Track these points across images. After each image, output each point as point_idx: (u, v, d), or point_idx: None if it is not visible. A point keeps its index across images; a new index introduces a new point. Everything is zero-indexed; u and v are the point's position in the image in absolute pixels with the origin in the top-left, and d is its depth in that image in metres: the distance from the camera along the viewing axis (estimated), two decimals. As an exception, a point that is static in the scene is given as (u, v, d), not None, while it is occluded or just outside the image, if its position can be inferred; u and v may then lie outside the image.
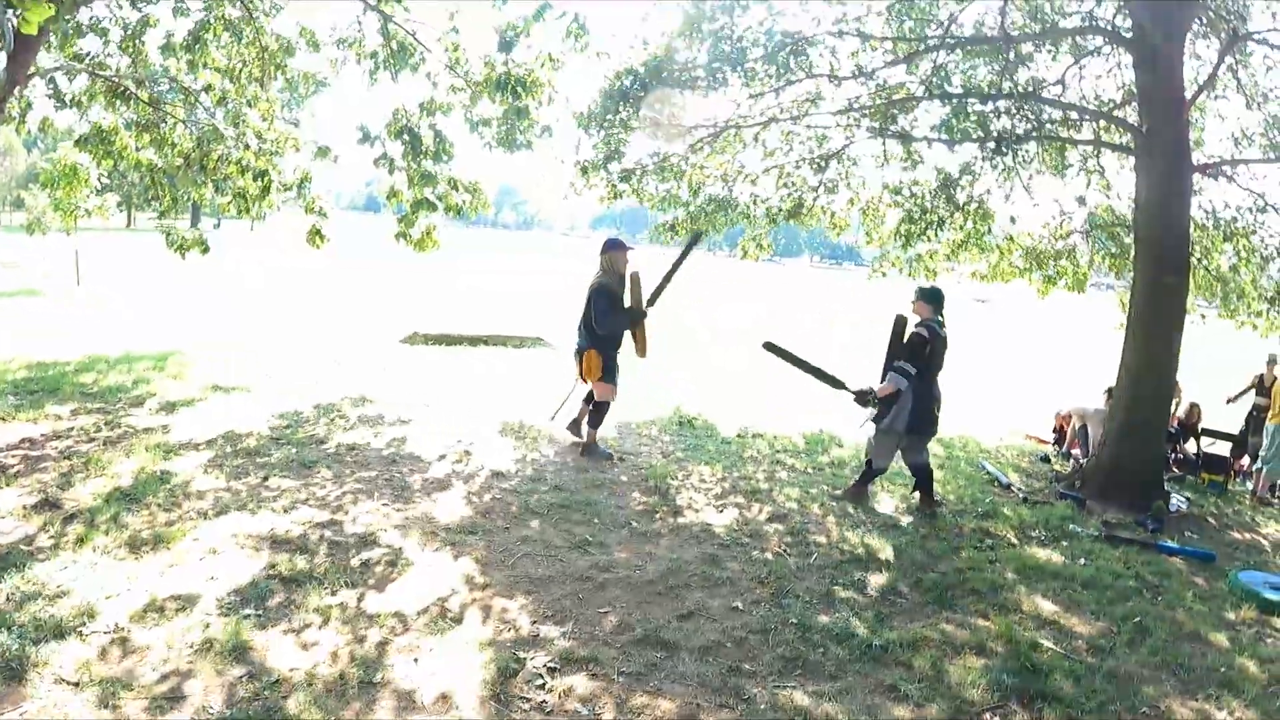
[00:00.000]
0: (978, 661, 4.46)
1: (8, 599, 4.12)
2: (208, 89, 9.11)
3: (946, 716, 3.89)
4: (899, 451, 7.31)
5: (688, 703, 3.82)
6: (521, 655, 4.10)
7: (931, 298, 7.24)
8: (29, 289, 20.64)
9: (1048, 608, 5.37)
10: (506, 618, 4.52)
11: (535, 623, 4.48)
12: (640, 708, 3.74)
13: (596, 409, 7.91)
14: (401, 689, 3.74)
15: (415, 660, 3.99)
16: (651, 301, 8.00)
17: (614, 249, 7.91)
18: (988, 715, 3.95)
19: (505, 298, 25.93)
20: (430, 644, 4.15)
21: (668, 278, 8.19)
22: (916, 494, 7.48)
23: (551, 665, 4.04)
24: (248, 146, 8.70)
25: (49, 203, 26.23)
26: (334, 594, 4.58)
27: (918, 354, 6.98)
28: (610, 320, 7.70)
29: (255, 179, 8.68)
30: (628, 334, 7.94)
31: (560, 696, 3.78)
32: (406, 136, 8.72)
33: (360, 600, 4.54)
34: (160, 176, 9.11)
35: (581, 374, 7.94)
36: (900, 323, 7.29)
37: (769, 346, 7.71)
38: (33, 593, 4.22)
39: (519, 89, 8.28)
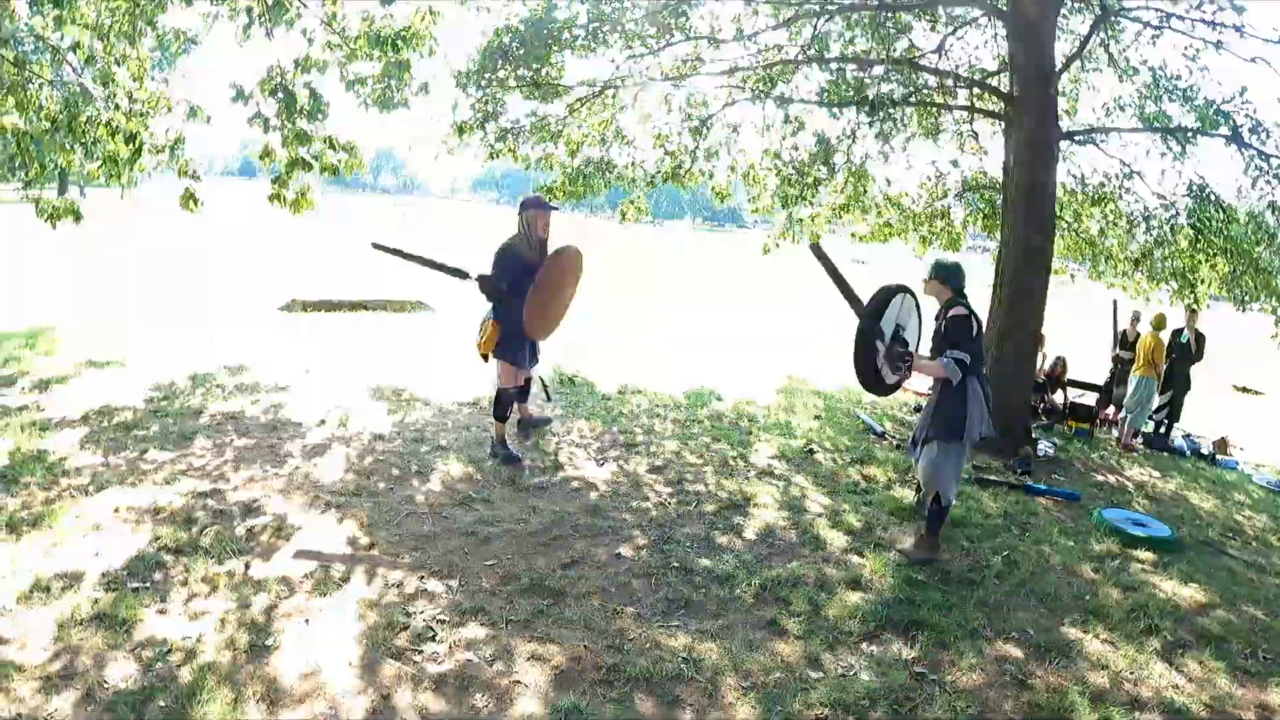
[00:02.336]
0: (854, 596, 4.68)
1: (-120, 589, 3.95)
2: (75, 47, 8.66)
3: (825, 648, 4.09)
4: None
5: (575, 646, 3.92)
6: (410, 610, 4.15)
7: (949, 275, 5.54)
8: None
9: (920, 545, 5.64)
10: (393, 576, 4.54)
11: (422, 579, 4.53)
12: (529, 653, 3.83)
13: (499, 395, 6.79)
14: (293, 650, 3.74)
15: (306, 621, 4.00)
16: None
17: (531, 208, 6.74)
18: (864, 645, 4.16)
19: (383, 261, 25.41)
20: (319, 605, 4.16)
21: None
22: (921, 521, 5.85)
23: (441, 618, 4.10)
24: (118, 107, 8.33)
25: (-100, 174, 24.72)
26: (220, 563, 4.52)
27: (967, 337, 5.34)
28: (497, 282, 6.50)
29: (126, 141, 8.31)
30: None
31: (450, 647, 3.85)
32: (281, 94, 8.48)
33: (247, 568, 4.50)
34: (27, 142, 8.64)
35: (479, 346, 6.73)
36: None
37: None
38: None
39: (399, 43, 8.12)
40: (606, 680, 3.66)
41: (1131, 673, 4.14)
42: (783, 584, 4.76)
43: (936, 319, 5.60)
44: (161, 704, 3.29)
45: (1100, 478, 8.50)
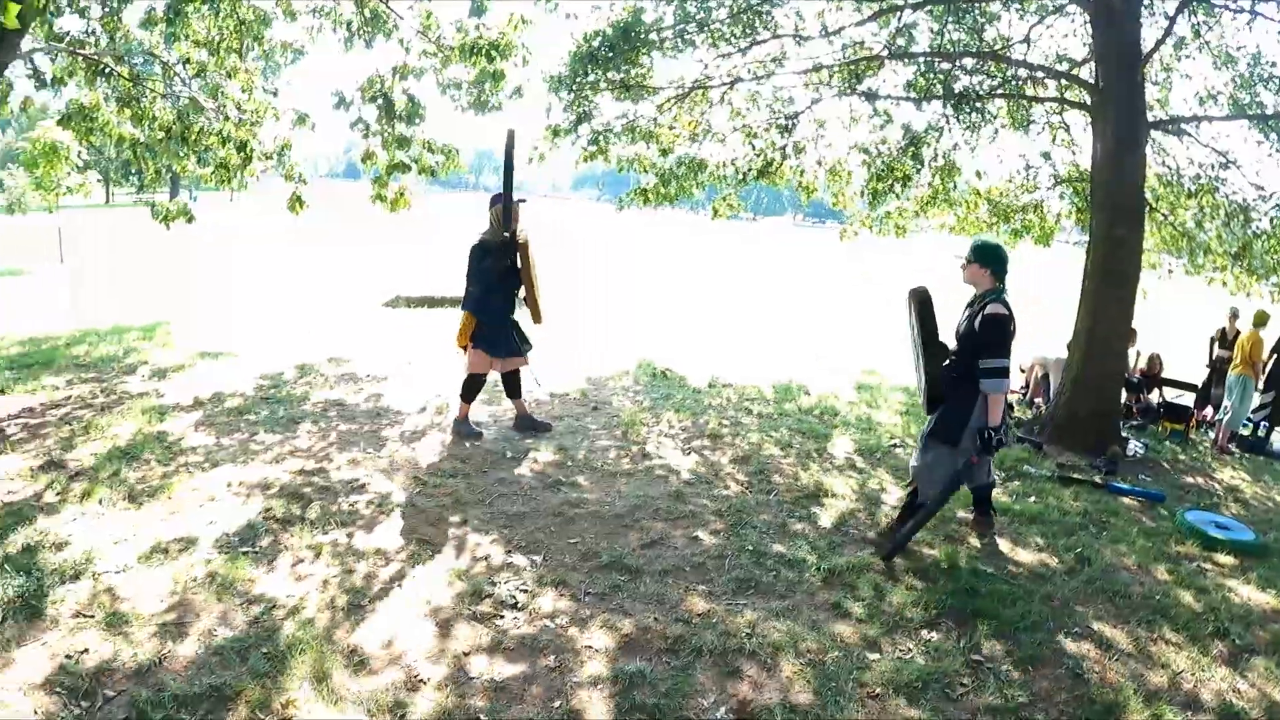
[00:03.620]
0: (919, 585, 4.80)
1: (23, 548, 4.43)
2: (186, 62, 9.24)
3: (884, 632, 4.23)
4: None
5: (647, 618, 4.16)
6: (495, 580, 4.46)
7: (993, 258, 5.05)
8: (12, 269, 20.72)
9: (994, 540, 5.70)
10: (482, 550, 4.86)
11: (509, 553, 4.84)
12: (604, 622, 4.09)
13: (468, 380, 7.11)
14: (386, 609, 4.10)
15: (400, 585, 4.35)
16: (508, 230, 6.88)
17: (495, 204, 6.99)
18: (924, 631, 4.29)
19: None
20: (412, 573, 4.50)
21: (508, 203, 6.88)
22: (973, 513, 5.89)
23: (523, 588, 4.40)
24: (228, 118, 8.88)
25: (29, 182, 26.34)
26: (324, 533, 4.92)
27: (1007, 340, 4.97)
28: (473, 277, 6.90)
29: (237, 149, 8.87)
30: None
31: (529, 614, 4.14)
32: (380, 101, 8.92)
33: (349, 538, 4.88)
34: (143, 151, 9.26)
35: (457, 338, 7.13)
36: (923, 302, 5.31)
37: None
38: (45, 541, 4.54)
39: (493, 52, 8.47)
40: (672, 650, 3.88)
41: (1192, 674, 4.13)
42: (851, 571, 4.90)
43: (970, 308, 5.18)
44: (265, 651, 3.64)
45: (1189, 479, 8.32)
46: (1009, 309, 4.96)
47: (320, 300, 15.23)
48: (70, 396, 7.62)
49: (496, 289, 6.90)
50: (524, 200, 7.00)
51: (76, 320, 12.02)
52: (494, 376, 7.35)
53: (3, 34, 6.72)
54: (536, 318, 7.09)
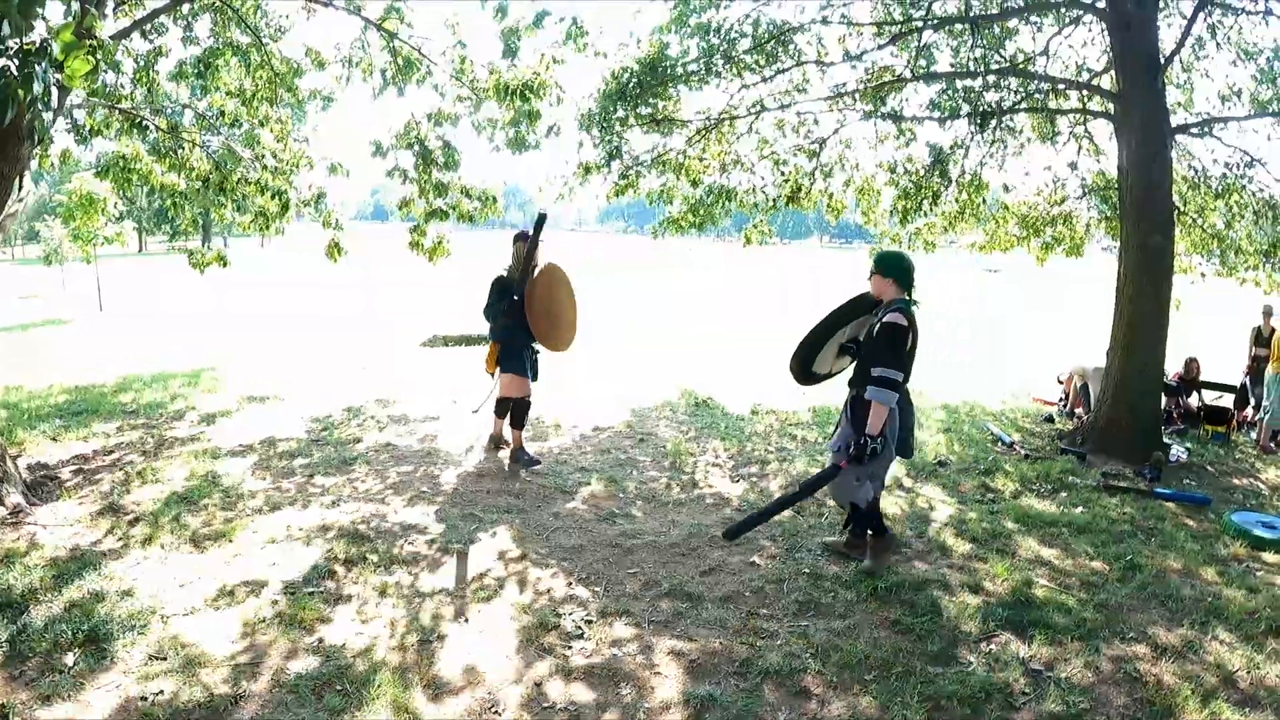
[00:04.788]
0: (974, 599, 4.87)
1: (89, 593, 4.56)
2: (221, 114, 9.47)
3: (944, 646, 4.30)
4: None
5: (711, 642, 4.26)
6: (560, 612, 4.57)
7: (895, 268, 4.97)
8: (53, 319, 21.15)
9: (1044, 551, 5.76)
10: (544, 584, 4.98)
11: (570, 585, 4.96)
12: (670, 649, 4.19)
13: (514, 408, 7.49)
14: (455, 648, 4.20)
15: (466, 621, 4.47)
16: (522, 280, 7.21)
17: (518, 240, 7.39)
18: (983, 644, 4.35)
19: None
20: (477, 609, 4.62)
21: (527, 258, 7.27)
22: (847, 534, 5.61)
23: (588, 619, 4.51)
24: (265, 167, 9.10)
25: (67, 233, 26.92)
26: (388, 573, 5.04)
27: (900, 350, 4.86)
28: (489, 310, 7.26)
29: (274, 197, 9.07)
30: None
31: (597, 644, 4.24)
32: (417, 148, 9.10)
33: (412, 578, 5.00)
34: (180, 200, 9.47)
35: (486, 364, 7.58)
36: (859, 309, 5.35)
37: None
38: (109, 586, 4.68)
39: (527, 93, 8.64)
40: (739, 672, 3.98)
41: (1247, 672, 4.18)
42: (907, 587, 4.99)
43: (872, 318, 5.12)
44: (339, 689, 3.75)
45: (1234, 481, 8.32)
46: (910, 319, 4.87)
47: (359, 342, 15.47)
48: (121, 443, 7.79)
49: (517, 319, 7.21)
50: (542, 242, 7.30)
51: (120, 368, 12.25)
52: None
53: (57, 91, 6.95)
54: (549, 346, 7.46)
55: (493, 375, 7.53)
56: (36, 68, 3.37)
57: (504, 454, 7.68)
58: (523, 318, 7.16)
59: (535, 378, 7.54)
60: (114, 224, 25.01)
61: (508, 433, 7.68)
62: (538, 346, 7.49)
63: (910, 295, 4.97)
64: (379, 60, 9.06)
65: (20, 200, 6.12)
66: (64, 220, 25.38)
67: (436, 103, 9.14)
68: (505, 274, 7.29)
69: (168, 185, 9.29)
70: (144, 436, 8.04)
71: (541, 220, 7.38)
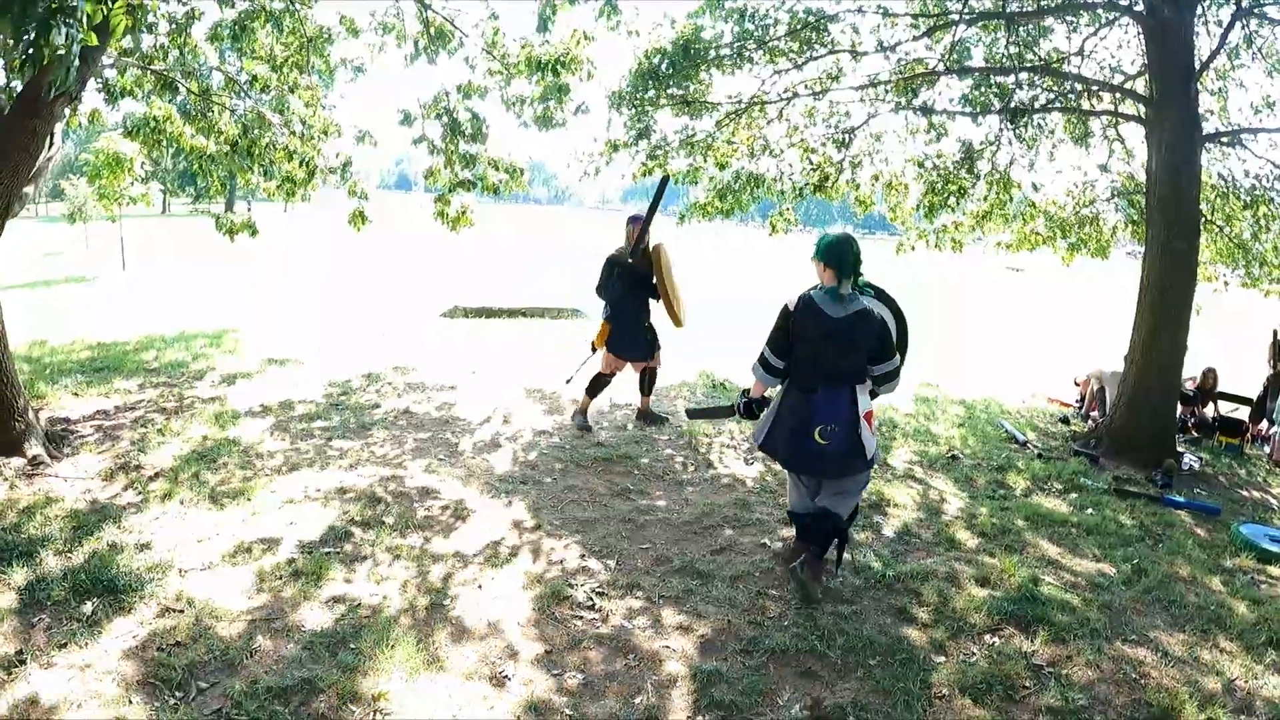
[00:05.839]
0: (981, 592, 4.91)
1: (109, 545, 4.66)
2: (253, 79, 9.48)
3: (949, 636, 4.35)
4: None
5: (720, 620, 4.33)
6: (572, 582, 4.64)
7: (831, 254, 4.51)
8: (77, 276, 21.31)
9: (1051, 550, 5.79)
10: (557, 555, 5.05)
11: (583, 557, 5.03)
12: (678, 624, 4.25)
13: (595, 377, 7.94)
14: (467, 611, 4.27)
15: (479, 587, 4.55)
16: (633, 254, 7.57)
17: (630, 223, 7.82)
18: (987, 636, 4.39)
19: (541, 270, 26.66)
20: (490, 575, 4.70)
21: (647, 220, 7.67)
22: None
23: (599, 590, 4.58)
24: (294, 133, 9.14)
25: (92, 191, 27.07)
26: (403, 536, 5.12)
27: (774, 330, 4.68)
28: (603, 290, 7.72)
29: (301, 164, 9.12)
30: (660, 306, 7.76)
31: (607, 615, 4.31)
32: (446, 119, 9.12)
33: (426, 542, 5.09)
34: (208, 164, 9.50)
35: (595, 341, 7.99)
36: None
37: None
38: (129, 540, 4.77)
39: (558, 67, 8.65)
40: (746, 650, 4.04)
41: (1245, 681, 4.20)
42: (915, 577, 5.03)
43: None
44: (353, 646, 3.83)
45: (1246, 493, 8.31)
46: (801, 305, 4.56)
47: (379, 310, 15.55)
48: (142, 400, 7.88)
49: (627, 299, 7.63)
50: (634, 221, 7.73)
51: (142, 326, 12.36)
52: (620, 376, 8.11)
53: (87, 51, 6.99)
54: (676, 322, 7.81)
55: (594, 351, 7.95)
56: (60, 22, 3.40)
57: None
58: (634, 295, 7.61)
59: (657, 349, 7.95)
60: (140, 184, 25.18)
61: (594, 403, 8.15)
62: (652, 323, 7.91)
63: (846, 282, 4.52)
64: (411, 28, 9.06)
65: (50, 156, 6.20)
66: (90, 179, 25.54)
67: (467, 75, 9.15)
68: (616, 254, 7.64)
69: (197, 148, 9.31)
70: (165, 394, 8.13)
71: (664, 183, 7.91)
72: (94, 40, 3.60)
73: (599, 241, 11.27)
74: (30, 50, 3.25)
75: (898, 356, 4.67)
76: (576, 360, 8.91)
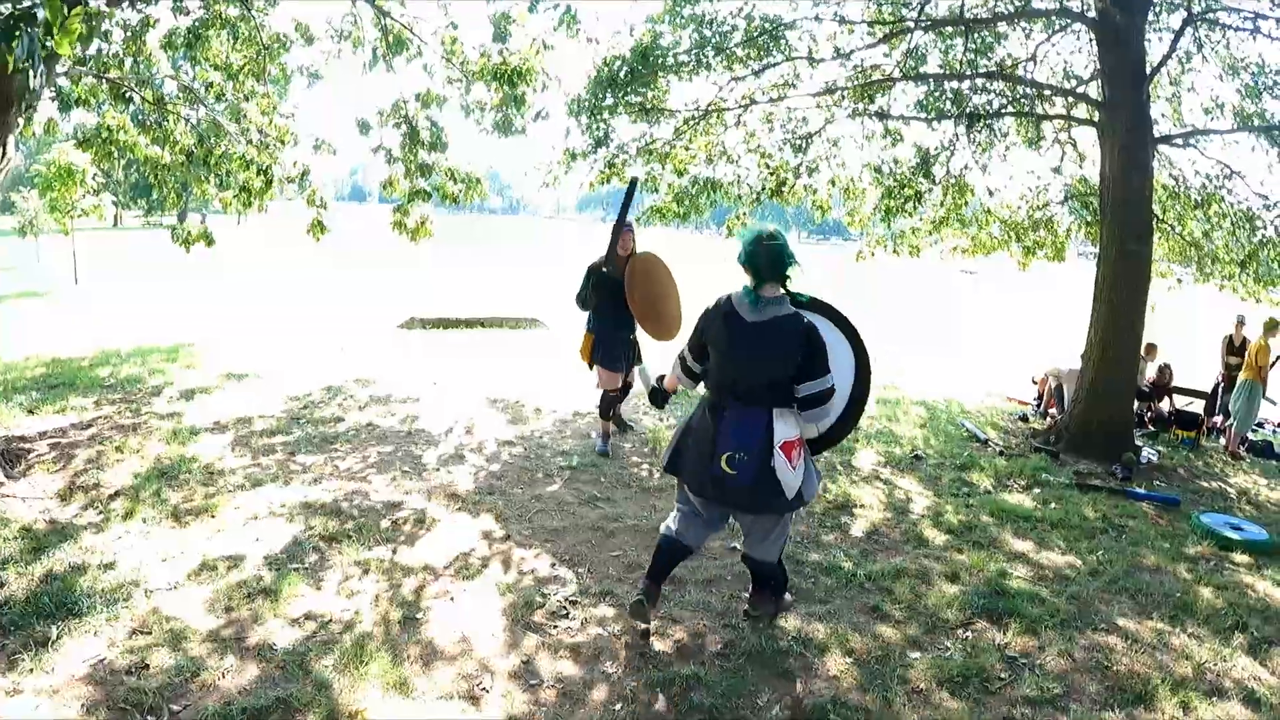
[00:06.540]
0: (951, 588, 4.96)
1: (70, 566, 4.55)
2: (208, 86, 9.36)
3: (924, 632, 4.39)
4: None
5: (696, 624, 4.33)
6: (545, 591, 4.62)
7: (743, 253, 3.89)
8: (29, 291, 20.88)
9: (1018, 545, 5.88)
10: (527, 564, 5.01)
11: (554, 565, 5.00)
12: (653, 630, 4.23)
13: (603, 398, 7.53)
14: (441, 624, 4.22)
15: (451, 599, 4.50)
16: (608, 263, 7.04)
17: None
18: (960, 631, 4.43)
19: (498, 281, 26.57)
20: (462, 587, 4.65)
21: (617, 226, 7.05)
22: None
23: (572, 599, 4.55)
24: (250, 141, 9.02)
25: (44, 204, 26.55)
26: (370, 549, 5.05)
27: (691, 337, 4.14)
28: (581, 299, 7.22)
29: (259, 173, 9.00)
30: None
31: (582, 623, 4.29)
32: (405, 127, 9.05)
33: (394, 554, 5.02)
34: (164, 174, 9.35)
35: (580, 353, 7.59)
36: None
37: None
38: (92, 560, 4.67)
39: (514, 78, 8.62)
40: (723, 654, 4.04)
41: (1215, 664, 4.30)
42: (886, 575, 5.07)
43: None
44: (326, 663, 3.77)
45: (1204, 484, 8.50)
46: (721, 303, 3.94)
47: (336, 322, 15.39)
48: (98, 417, 7.71)
49: (606, 308, 7.17)
50: (627, 226, 7.05)
51: (97, 341, 12.12)
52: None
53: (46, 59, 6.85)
54: (653, 336, 7.17)
55: (591, 368, 7.54)
56: (23, 31, 3.35)
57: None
58: (614, 303, 7.03)
59: (638, 363, 7.26)
60: (92, 196, 24.75)
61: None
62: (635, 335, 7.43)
63: (768, 285, 3.85)
64: (369, 35, 8.99)
65: (5, 167, 6.07)
66: (41, 191, 25.05)
67: (425, 83, 9.10)
68: (596, 262, 7.18)
69: (151, 157, 9.17)
70: (122, 410, 7.97)
71: (633, 185, 7.29)
72: (66, 50, 3.55)
73: (561, 252, 11.23)
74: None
75: (831, 376, 3.87)
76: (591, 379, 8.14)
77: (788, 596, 4.56)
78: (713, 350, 3.94)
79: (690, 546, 4.15)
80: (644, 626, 4.17)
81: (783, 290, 3.87)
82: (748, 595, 4.49)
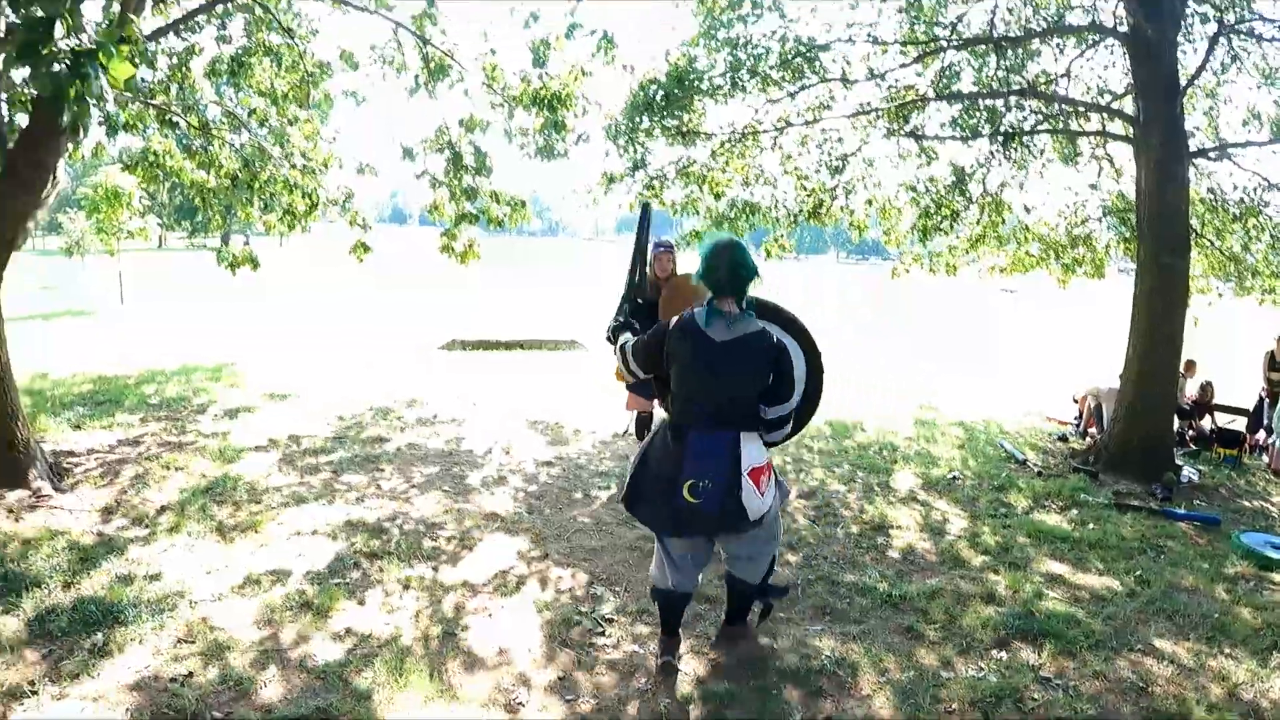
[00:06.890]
0: (987, 609, 4.96)
1: (116, 577, 4.70)
2: (252, 112, 9.57)
3: (958, 653, 4.40)
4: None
5: (731, 643, 4.35)
6: (582, 610, 4.69)
7: (701, 266, 3.75)
8: (75, 309, 21.32)
9: (1055, 566, 5.85)
10: (565, 583, 5.10)
11: (591, 584, 5.08)
12: (690, 647, 4.29)
13: (635, 420, 7.67)
14: (480, 640, 4.31)
15: (490, 615, 4.59)
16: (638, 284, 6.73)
17: (658, 249, 7.16)
18: (995, 651, 4.44)
19: (538, 302, 26.79)
20: (500, 604, 4.73)
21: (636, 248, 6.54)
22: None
23: (609, 617, 4.63)
24: (294, 165, 9.22)
25: (90, 225, 27.12)
26: (411, 567, 5.16)
27: (646, 351, 3.93)
28: (611, 335, 6.97)
29: (304, 196, 9.19)
30: None
31: (618, 641, 4.36)
32: (448, 153, 9.19)
33: (435, 572, 5.13)
34: (210, 197, 9.56)
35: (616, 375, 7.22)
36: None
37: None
38: (138, 571, 4.82)
39: (554, 103, 8.75)
40: (758, 672, 4.08)
41: (1252, 685, 4.26)
42: (921, 596, 5.09)
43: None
44: (367, 675, 3.86)
45: (1245, 503, 8.39)
46: (683, 322, 3.72)
47: (378, 343, 15.59)
48: (145, 434, 7.93)
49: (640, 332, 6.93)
50: (664, 247, 7.13)
51: (142, 360, 12.39)
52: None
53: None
54: None
55: (627, 387, 7.31)
56: (90, 69, 3.51)
57: None
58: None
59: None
60: (138, 218, 25.25)
61: None
62: None
63: (728, 300, 3.68)
64: (412, 61, 9.15)
65: (54, 190, 6.28)
66: (88, 213, 25.60)
67: (468, 108, 9.23)
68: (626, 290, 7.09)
69: (197, 181, 9.38)
70: (168, 428, 8.19)
71: (646, 209, 7.28)
72: (120, 85, 3.70)
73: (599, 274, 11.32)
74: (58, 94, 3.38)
75: (796, 397, 3.78)
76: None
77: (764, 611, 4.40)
78: (677, 369, 3.72)
79: (688, 593, 4.05)
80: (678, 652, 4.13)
81: (739, 308, 3.68)
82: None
